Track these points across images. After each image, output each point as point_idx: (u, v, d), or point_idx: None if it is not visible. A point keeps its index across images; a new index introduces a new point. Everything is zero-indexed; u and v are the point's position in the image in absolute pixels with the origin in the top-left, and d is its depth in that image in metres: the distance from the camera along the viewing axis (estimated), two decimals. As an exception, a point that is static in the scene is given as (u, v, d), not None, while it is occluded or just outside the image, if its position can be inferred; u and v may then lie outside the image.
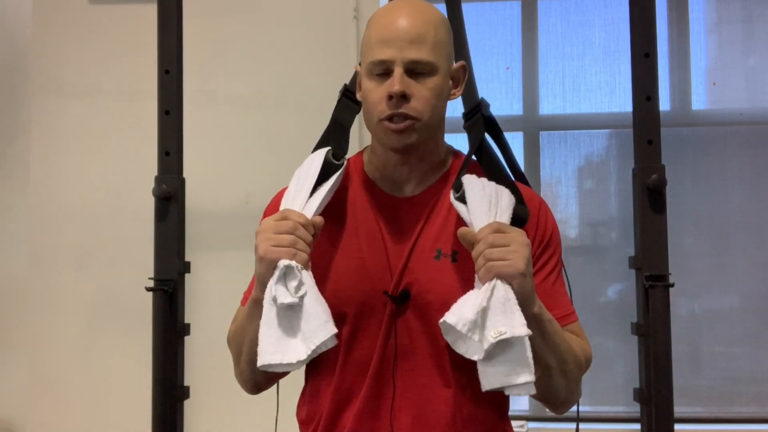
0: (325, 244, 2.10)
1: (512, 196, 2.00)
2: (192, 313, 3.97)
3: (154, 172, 3.40)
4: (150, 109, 3.46)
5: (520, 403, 4.55)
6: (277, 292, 1.86)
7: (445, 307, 1.87)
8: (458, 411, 2.01)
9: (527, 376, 1.79)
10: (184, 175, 3.47)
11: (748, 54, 4.74)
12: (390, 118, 1.99)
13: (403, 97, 1.96)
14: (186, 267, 3.47)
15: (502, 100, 4.60)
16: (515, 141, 4.64)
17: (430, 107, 2.00)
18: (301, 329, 1.88)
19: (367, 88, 2.03)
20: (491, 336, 1.76)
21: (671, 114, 4.64)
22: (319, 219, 1.95)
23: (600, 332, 4.52)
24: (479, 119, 2.28)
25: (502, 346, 1.79)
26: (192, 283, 4.03)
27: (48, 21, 4.80)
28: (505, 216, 1.93)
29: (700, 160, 4.60)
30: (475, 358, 1.82)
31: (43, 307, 4.74)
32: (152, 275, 3.39)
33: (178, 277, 3.41)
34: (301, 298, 1.86)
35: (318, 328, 1.86)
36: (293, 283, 1.86)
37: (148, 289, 3.35)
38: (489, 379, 1.82)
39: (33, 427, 4.74)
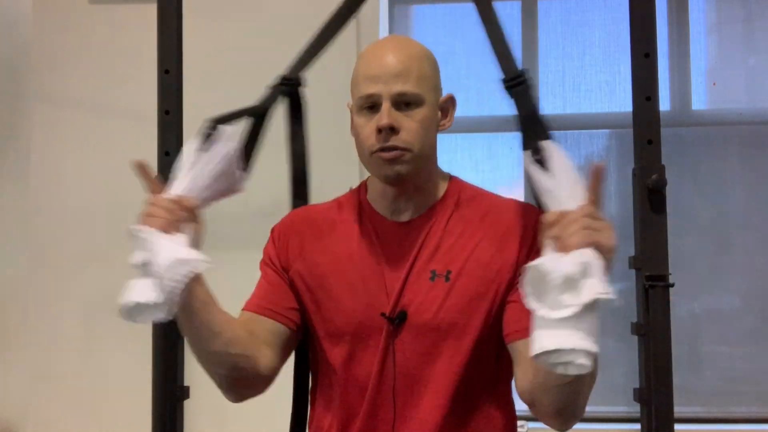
0: (326, 267, 2.22)
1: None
2: (192, 313, 3.97)
3: (154, 172, 3.41)
4: (150, 109, 3.46)
5: (518, 403, 4.54)
6: (134, 256, 1.95)
7: (441, 326, 2.07)
8: (456, 429, 2.10)
9: (594, 346, 1.73)
10: (185, 174, 3.47)
11: (748, 54, 4.75)
12: (381, 150, 2.09)
13: (392, 130, 2.06)
14: (187, 266, 3.47)
15: (502, 100, 4.57)
16: (515, 142, 4.63)
17: (420, 138, 2.11)
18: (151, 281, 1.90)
19: (358, 123, 2.14)
20: (596, 293, 1.68)
21: (671, 114, 4.64)
22: (191, 200, 2.11)
23: (600, 332, 4.51)
24: (526, 90, 2.43)
25: (584, 312, 1.71)
26: (192, 283, 4.03)
27: (48, 21, 4.80)
28: (581, 191, 1.84)
29: (700, 160, 4.61)
30: (554, 315, 1.70)
31: (43, 308, 4.74)
32: (152, 275, 3.39)
33: (180, 276, 3.41)
34: (149, 257, 1.93)
35: (161, 276, 1.89)
36: (141, 246, 1.96)
37: (149, 289, 3.35)
38: (558, 339, 1.71)
39: (33, 426, 4.74)
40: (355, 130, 2.18)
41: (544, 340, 1.72)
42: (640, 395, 3.17)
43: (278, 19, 4.65)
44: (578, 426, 4.29)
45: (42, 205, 4.75)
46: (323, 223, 2.31)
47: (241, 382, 2.20)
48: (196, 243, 2.07)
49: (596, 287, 1.69)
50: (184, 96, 3.49)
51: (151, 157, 3.44)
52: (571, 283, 1.69)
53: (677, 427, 3.11)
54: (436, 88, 2.21)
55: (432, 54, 2.26)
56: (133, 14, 4.71)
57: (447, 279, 2.11)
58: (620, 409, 4.41)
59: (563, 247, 1.73)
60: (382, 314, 2.11)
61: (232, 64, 4.66)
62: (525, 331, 1.89)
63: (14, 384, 5.00)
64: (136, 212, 4.59)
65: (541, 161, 1.99)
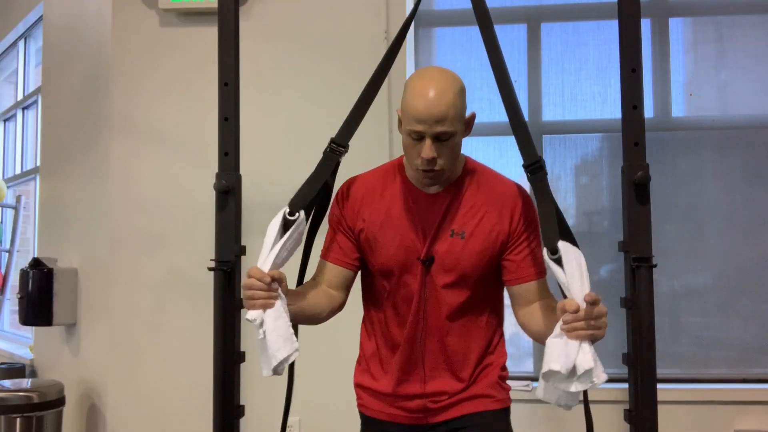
0: (379, 224, 2.66)
1: (581, 254, 2.41)
2: (247, 289, 3.97)
3: (215, 169, 3.41)
4: (211, 115, 3.47)
5: (525, 365, 4.54)
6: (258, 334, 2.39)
7: (456, 269, 2.59)
8: (457, 320, 2.65)
9: (579, 398, 2.37)
10: (241, 172, 3.47)
11: (719, 69, 4.72)
12: (423, 170, 2.50)
13: (432, 159, 2.44)
14: (242, 250, 3.47)
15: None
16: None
17: (451, 160, 2.52)
18: (266, 350, 2.38)
19: (406, 142, 2.51)
20: (595, 381, 2.23)
21: (654, 120, 4.63)
22: (276, 273, 2.39)
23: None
24: (543, 177, 2.61)
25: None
26: (247, 264, 4.03)
27: (125, 42, 4.83)
28: (587, 280, 2.34)
29: (679, 159, 4.59)
30: (570, 389, 2.26)
31: (121, 285, 4.77)
32: (213, 257, 3.40)
33: (235, 259, 3.41)
34: (264, 335, 2.35)
35: (270, 356, 2.36)
36: (258, 323, 2.36)
37: (210, 269, 3.36)
38: (557, 396, 2.34)
39: (113, 386, 4.77)
40: (403, 142, 2.54)
41: (549, 394, 2.35)
42: (628, 359, 3.16)
43: (319, 41, 4.66)
44: (574, 385, 4.22)
45: (120, 197, 4.78)
46: (374, 191, 2.71)
47: (324, 320, 2.73)
48: (285, 292, 2.44)
49: (591, 380, 2.21)
50: (241, 105, 3.50)
51: (212, 156, 3.45)
52: (573, 373, 2.21)
53: (659, 386, 3.10)
54: (463, 115, 2.50)
55: (462, 85, 2.51)
56: (197, 35, 4.74)
57: (462, 237, 2.59)
58: (611, 371, 4.36)
59: (571, 335, 2.24)
60: (418, 258, 2.60)
61: (281, 78, 4.67)
62: (518, 280, 2.62)
63: (97, 350, 5.03)
64: (197, 206, 4.63)
65: (557, 260, 2.40)
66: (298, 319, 2.60)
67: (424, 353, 2.67)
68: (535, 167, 2.61)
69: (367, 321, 2.84)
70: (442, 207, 2.63)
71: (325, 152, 2.78)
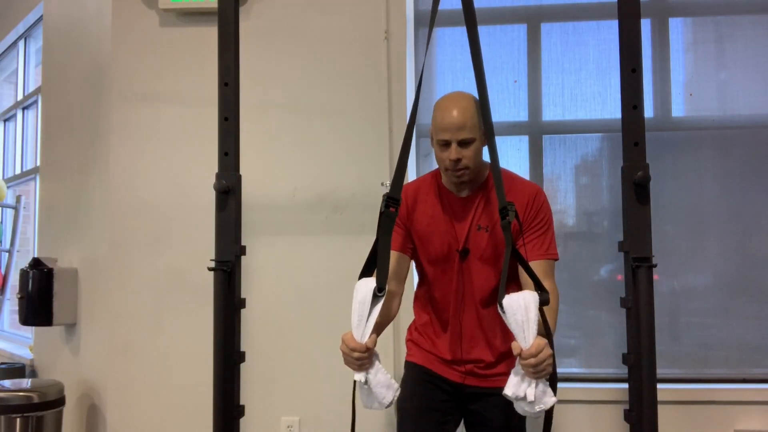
0: (425, 223, 3.26)
1: (536, 298, 2.66)
2: (247, 289, 3.97)
3: (215, 169, 3.41)
4: (211, 115, 3.46)
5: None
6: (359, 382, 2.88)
7: (483, 256, 3.17)
8: (488, 298, 3.21)
9: (539, 412, 2.72)
10: (241, 172, 3.47)
11: (719, 69, 4.72)
12: (452, 170, 3.08)
13: (458, 160, 3.03)
14: (242, 250, 3.48)
15: (511, 108, 4.59)
16: (522, 144, 4.63)
17: (473, 161, 3.06)
18: (375, 398, 2.89)
19: (437, 150, 3.11)
20: (538, 409, 2.68)
21: (654, 120, 4.62)
22: (371, 339, 2.78)
23: (593, 305, 4.51)
24: (507, 226, 2.83)
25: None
26: (247, 263, 4.03)
27: (125, 42, 4.81)
28: (533, 327, 2.61)
29: (679, 159, 4.58)
30: (525, 408, 2.70)
31: (121, 285, 4.76)
32: (213, 257, 3.40)
33: (236, 259, 3.41)
34: (370, 387, 2.85)
35: (377, 401, 2.88)
36: (363, 381, 2.85)
37: (210, 269, 3.36)
38: (526, 413, 2.72)
39: (113, 386, 4.76)
40: (435, 154, 3.15)
41: (516, 408, 2.73)
42: (628, 359, 3.16)
43: (320, 40, 4.65)
44: (572, 385, 4.26)
45: (120, 197, 4.77)
46: (420, 197, 3.30)
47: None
48: (376, 336, 2.85)
49: (541, 406, 2.67)
50: (241, 105, 3.49)
51: (212, 156, 3.45)
52: (528, 401, 2.67)
53: (659, 386, 3.10)
54: (480, 126, 3.05)
55: (477, 102, 3.04)
56: (198, 35, 4.73)
57: (487, 231, 3.15)
58: (610, 371, 4.39)
59: (526, 373, 2.65)
60: (457, 250, 3.20)
61: (281, 78, 4.66)
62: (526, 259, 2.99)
63: (97, 350, 5.03)
64: (197, 206, 4.62)
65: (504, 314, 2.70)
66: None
67: (465, 326, 3.25)
68: (504, 211, 2.86)
69: (421, 298, 3.43)
70: (472, 207, 3.20)
71: (381, 212, 2.93)
